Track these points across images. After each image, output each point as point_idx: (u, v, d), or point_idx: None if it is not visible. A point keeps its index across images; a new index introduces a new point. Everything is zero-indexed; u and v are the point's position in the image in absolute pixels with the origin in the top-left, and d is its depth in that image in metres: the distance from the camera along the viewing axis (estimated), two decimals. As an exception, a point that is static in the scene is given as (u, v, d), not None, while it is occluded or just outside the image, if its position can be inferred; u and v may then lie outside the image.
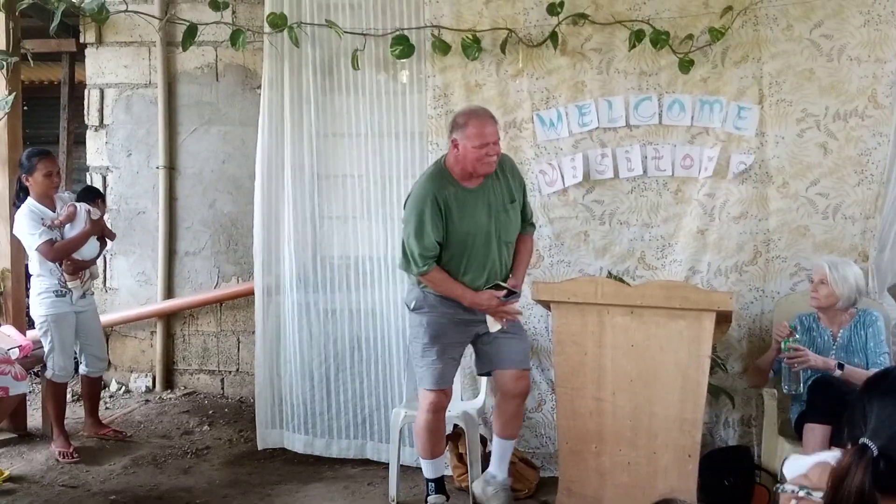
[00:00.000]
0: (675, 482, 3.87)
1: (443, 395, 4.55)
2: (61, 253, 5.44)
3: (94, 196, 5.73)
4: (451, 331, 4.48)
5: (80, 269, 5.55)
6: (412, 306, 4.57)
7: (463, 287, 4.39)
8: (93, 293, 5.81)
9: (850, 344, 4.56)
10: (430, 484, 4.74)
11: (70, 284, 5.52)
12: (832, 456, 2.53)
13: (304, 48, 5.43)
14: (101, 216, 5.68)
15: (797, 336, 4.51)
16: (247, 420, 6.17)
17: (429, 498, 4.73)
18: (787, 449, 4.40)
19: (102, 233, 5.72)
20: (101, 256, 5.90)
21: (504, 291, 4.32)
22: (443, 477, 4.75)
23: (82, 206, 5.55)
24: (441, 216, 4.34)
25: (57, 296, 5.51)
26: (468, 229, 4.37)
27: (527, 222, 4.64)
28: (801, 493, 1.96)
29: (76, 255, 5.52)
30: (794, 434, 4.50)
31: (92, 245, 5.63)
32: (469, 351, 5.29)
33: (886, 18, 4.88)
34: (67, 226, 5.49)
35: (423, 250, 4.35)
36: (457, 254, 4.40)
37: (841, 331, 4.61)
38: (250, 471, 5.42)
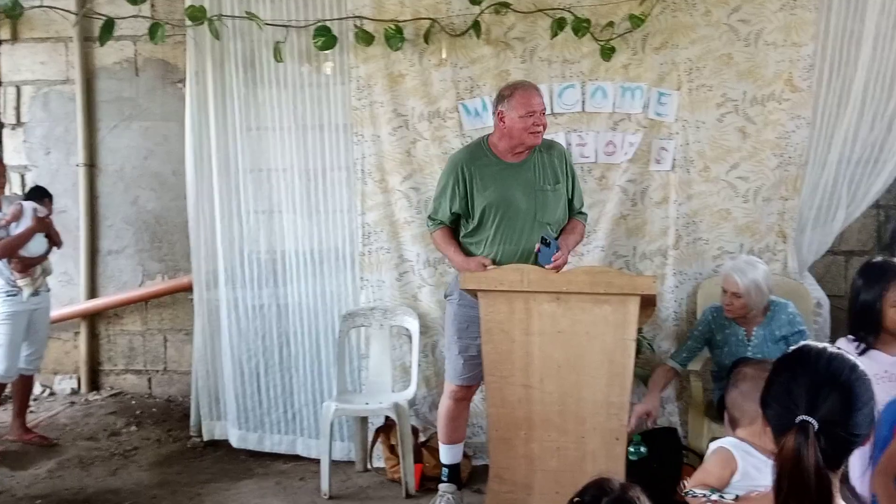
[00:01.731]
0: (604, 465, 3.88)
1: (461, 388, 4.57)
2: (7, 250, 5.37)
3: (41, 195, 5.67)
4: (478, 325, 4.37)
5: (28, 267, 5.47)
6: (445, 293, 4.66)
7: (455, 250, 4.48)
8: (48, 290, 5.70)
9: (764, 343, 4.56)
10: (444, 469, 4.74)
11: (20, 283, 5.44)
12: (722, 441, 2.58)
13: (225, 41, 5.38)
14: (48, 214, 5.60)
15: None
16: (175, 419, 6.09)
17: (440, 485, 4.73)
18: (713, 429, 4.47)
19: (49, 233, 5.62)
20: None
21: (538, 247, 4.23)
22: (459, 465, 4.73)
23: (28, 205, 5.50)
24: (463, 185, 4.40)
25: (8, 295, 5.44)
26: (491, 200, 4.37)
27: (576, 210, 4.59)
28: (714, 497, 1.99)
29: (24, 253, 5.44)
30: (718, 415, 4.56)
31: (39, 242, 5.54)
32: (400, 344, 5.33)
33: (802, 3, 4.96)
34: (13, 224, 5.41)
35: (434, 212, 4.54)
36: (481, 223, 4.42)
37: (755, 329, 4.59)
38: (179, 470, 5.34)
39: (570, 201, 4.54)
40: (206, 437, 5.66)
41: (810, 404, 1.86)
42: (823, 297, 5.20)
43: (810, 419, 1.84)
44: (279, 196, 5.48)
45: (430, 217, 4.59)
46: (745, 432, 2.58)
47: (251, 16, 5.18)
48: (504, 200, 4.37)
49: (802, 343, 2.03)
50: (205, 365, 5.63)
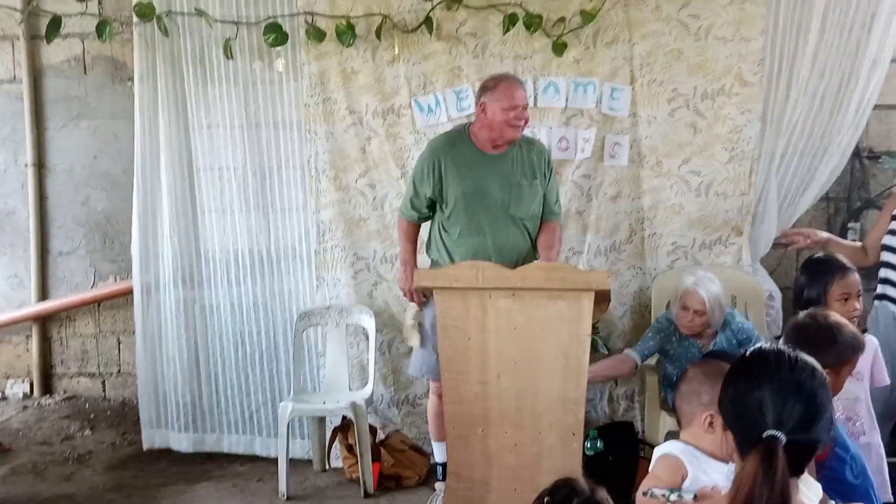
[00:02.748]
0: (560, 461, 3.90)
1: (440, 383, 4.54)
2: None
3: None
4: None
5: None
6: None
7: (407, 252, 4.63)
8: None
9: None
10: (438, 468, 4.74)
11: None
12: (668, 447, 2.57)
13: (174, 38, 5.31)
14: None
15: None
16: (130, 422, 6.01)
17: (437, 484, 4.75)
18: (669, 423, 4.50)
19: None
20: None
21: None
22: None
23: None
24: (437, 173, 4.46)
25: None
26: (466, 190, 4.42)
27: (550, 210, 4.60)
28: (673, 497, 1.98)
29: None
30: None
31: None
32: (356, 340, 5.31)
33: (751, -2, 5.01)
34: None
35: (411, 196, 4.59)
36: (455, 213, 4.47)
37: (712, 343, 4.60)
38: (135, 474, 5.28)
39: (545, 199, 4.56)
40: (146, 446, 5.57)
41: (777, 417, 1.83)
42: (775, 289, 5.28)
43: (779, 434, 1.81)
44: (232, 194, 5.43)
45: (408, 200, 4.62)
46: (687, 434, 2.57)
47: (200, 12, 5.13)
48: (478, 191, 4.42)
49: (757, 347, 2.00)
50: (148, 370, 5.55)
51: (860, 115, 5.18)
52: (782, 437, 1.81)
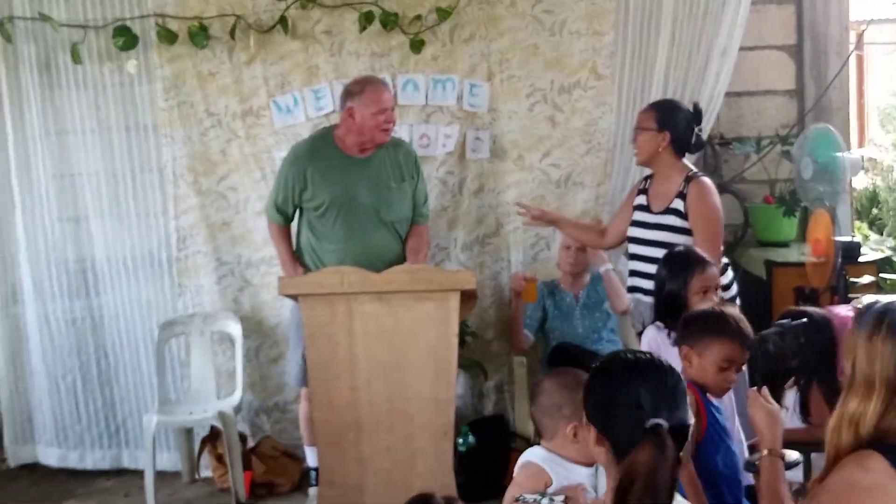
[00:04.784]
0: (433, 461, 3.94)
1: None
2: None
3: None
4: None
5: None
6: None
7: (286, 251, 4.56)
8: None
9: (588, 300, 4.96)
10: (311, 473, 4.66)
11: None
12: (530, 455, 2.62)
13: (18, 44, 5.12)
14: None
15: None
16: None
17: (310, 489, 4.68)
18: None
19: None
20: None
21: None
22: None
23: None
24: (303, 181, 4.43)
25: None
26: (335, 196, 4.38)
27: (418, 212, 4.60)
28: (545, 501, 2.02)
29: None
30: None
31: None
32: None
33: (603, -8, 5.09)
34: None
35: (274, 201, 4.56)
36: (325, 220, 4.44)
37: (581, 293, 4.96)
38: (-6, 496, 5.10)
39: (414, 201, 4.58)
40: (13, 463, 5.40)
41: (653, 406, 1.88)
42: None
43: (662, 421, 1.85)
44: (86, 202, 5.27)
45: (272, 204, 4.59)
46: (549, 444, 2.60)
47: (45, 17, 4.94)
48: (348, 197, 4.40)
49: (612, 353, 2.05)
50: (11, 385, 5.37)
51: (713, 103, 5.31)
52: (665, 423, 1.86)
